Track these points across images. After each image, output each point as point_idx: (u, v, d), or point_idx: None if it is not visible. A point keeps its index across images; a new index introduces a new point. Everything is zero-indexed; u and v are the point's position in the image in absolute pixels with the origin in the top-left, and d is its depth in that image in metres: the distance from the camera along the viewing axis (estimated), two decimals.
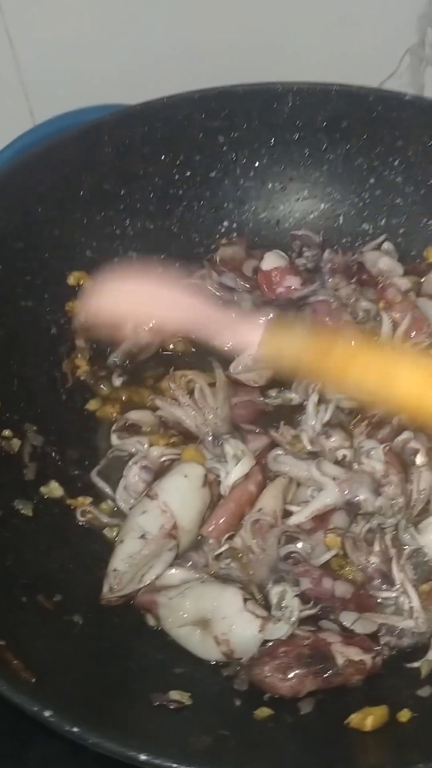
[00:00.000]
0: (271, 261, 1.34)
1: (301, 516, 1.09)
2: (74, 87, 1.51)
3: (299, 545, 1.06)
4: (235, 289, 1.31)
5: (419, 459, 1.12)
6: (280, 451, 1.16)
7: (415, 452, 1.12)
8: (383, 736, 0.87)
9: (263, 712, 0.93)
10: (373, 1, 1.46)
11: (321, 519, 1.10)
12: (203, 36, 1.49)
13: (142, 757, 0.78)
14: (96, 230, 1.35)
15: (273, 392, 1.25)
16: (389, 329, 1.25)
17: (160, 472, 1.14)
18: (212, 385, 1.19)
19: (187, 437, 1.18)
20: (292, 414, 1.22)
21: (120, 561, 1.06)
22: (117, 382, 1.27)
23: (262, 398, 1.24)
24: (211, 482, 1.12)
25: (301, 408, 1.21)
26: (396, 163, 1.36)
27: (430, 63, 1.52)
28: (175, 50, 1.50)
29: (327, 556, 1.06)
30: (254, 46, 1.49)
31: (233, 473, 1.11)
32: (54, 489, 1.14)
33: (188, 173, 1.41)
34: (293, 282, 1.32)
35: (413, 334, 1.24)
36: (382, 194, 1.39)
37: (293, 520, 1.09)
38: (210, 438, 1.15)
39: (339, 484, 1.09)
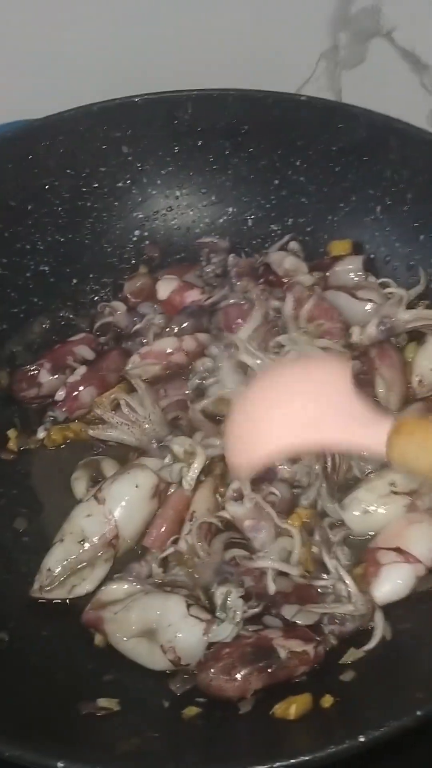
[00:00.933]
0: (164, 288, 1.36)
1: (236, 483, 1.10)
2: None
3: (260, 535, 1.07)
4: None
5: None
6: (202, 434, 1.18)
7: None
8: (308, 722, 0.89)
9: (191, 710, 0.95)
10: (285, 7, 1.48)
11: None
12: (123, 44, 1.50)
13: (60, 764, 0.79)
14: (5, 247, 1.34)
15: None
16: (290, 310, 1.29)
17: None
18: None
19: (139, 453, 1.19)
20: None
21: (55, 561, 1.07)
22: (41, 434, 1.26)
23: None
24: (160, 492, 1.12)
25: None
26: (298, 163, 1.40)
27: (345, 67, 1.56)
28: (94, 59, 1.49)
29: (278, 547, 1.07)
30: (171, 54, 1.50)
31: (192, 468, 1.12)
32: None
33: (95, 184, 1.41)
34: (194, 295, 1.35)
35: (322, 322, 1.28)
36: (288, 194, 1.42)
37: (230, 488, 1.10)
38: (155, 445, 1.15)
39: None
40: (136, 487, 1.10)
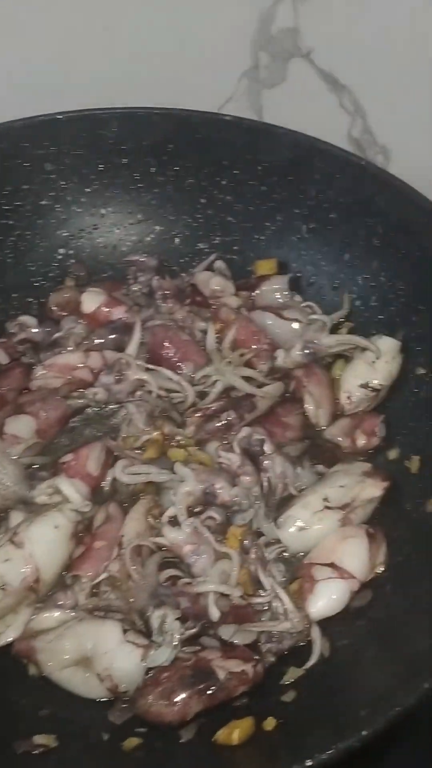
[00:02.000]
0: (90, 302, 1.35)
1: (173, 510, 1.10)
2: None
3: (198, 560, 1.06)
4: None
5: (267, 447, 1.16)
6: (125, 462, 1.17)
7: (261, 442, 1.17)
8: (252, 747, 0.88)
9: (131, 742, 0.92)
10: (207, 26, 1.48)
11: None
12: (47, 60, 1.46)
13: None
14: None
15: (75, 394, 1.27)
16: (212, 342, 1.31)
17: None
18: None
19: None
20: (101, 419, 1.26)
21: None
22: None
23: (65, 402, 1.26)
24: (78, 531, 1.10)
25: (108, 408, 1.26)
26: (224, 182, 1.40)
27: (266, 86, 1.58)
28: (16, 75, 1.46)
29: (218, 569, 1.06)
30: (95, 71, 1.47)
31: (70, 505, 1.10)
32: None
33: (18, 202, 1.39)
34: (120, 312, 1.34)
35: (252, 346, 1.29)
36: (214, 213, 1.43)
37: (166, 515, 1.10)
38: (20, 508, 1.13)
39: (197, 475, 1.12)
40: (56, 527, 1.08)
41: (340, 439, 1.23)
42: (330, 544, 1.09)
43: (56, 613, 1.03)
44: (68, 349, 1.30)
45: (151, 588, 1.04)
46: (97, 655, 0.98)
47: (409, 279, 1.24)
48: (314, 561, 1.08)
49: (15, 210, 1.39)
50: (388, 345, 1.25)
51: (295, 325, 1.32)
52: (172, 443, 1.21)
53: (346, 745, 0.76)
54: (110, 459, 1.20)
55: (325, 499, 1.12)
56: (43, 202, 1.40)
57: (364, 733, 0.77)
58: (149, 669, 0.98)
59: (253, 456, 1.16)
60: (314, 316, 1.31)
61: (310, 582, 1.05)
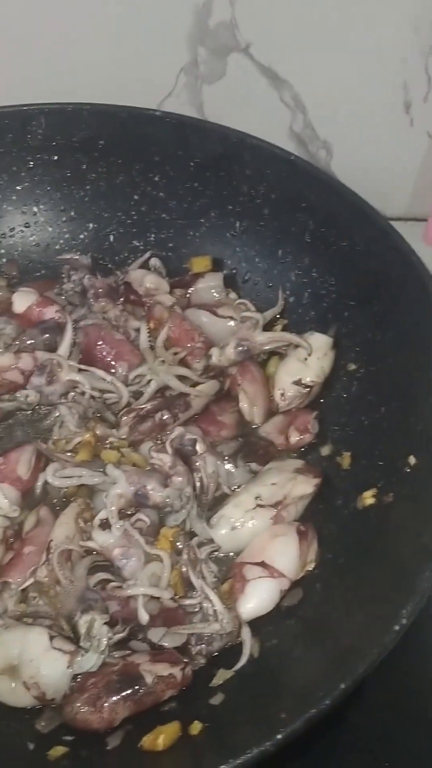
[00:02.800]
0: (21, 301, 1.32)
1: (104, 513, 1.09)
2: None
3: (127, 562, 1.05)
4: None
5: (199, 446, 1.15)
6: (56, 466, 1.16)
7: (194, 442, 1.16)
8: (177, 752, 0.88)
9: (57, 751, 0.91)
10: (144, 20, 1.45)
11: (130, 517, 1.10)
12: None
13: None
14: None
15: (6, 396, 1.24)
16: (145, 341, 1.29)
17: None
18: None
19: None
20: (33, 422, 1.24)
21: None
22: None
23: None
24: (8, 537, 1.08)
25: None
26: (156, 178, 1.39)
27: (205, 81, 1.56)
28: None
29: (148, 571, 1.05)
30: (26, 66, 1.45)
31: None
32: None
33: None
34: (52, 311, 1.31)
35: (187, 344, 1.28)
36: (148, 210, 1.41)
37: (98, 518, 1.09)
38: None
39: (129, 476, 1.11)
40: None
41: (273, 436, 1.22)
42: (261, 542, 1.08)
43: None
44: None
45: (79, 593, 1.03)
46: (24, 662, 0.96)
47: (339, 274, 1.24)
48: (245, 560, 1.07)
49: None
50: (319, 341, 1.24)
51: (230, 323, 1.31)
52: (105, 445, 1.20)
53: (260, 750, 0.76)
54: (41, 462, 1.19)
55: (257, 498, 1.12)
56: None
57: (278, 737, 0.76)
58: (76, 675, 0.97)
59: (185, 456, 1.15)
60: (247, 314, 1.30)
61: (240, 582, 1.05)
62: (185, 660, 0.98)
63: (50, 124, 1.35)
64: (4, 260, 1.41)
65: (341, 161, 1.66)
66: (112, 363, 1.27)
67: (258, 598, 1.04)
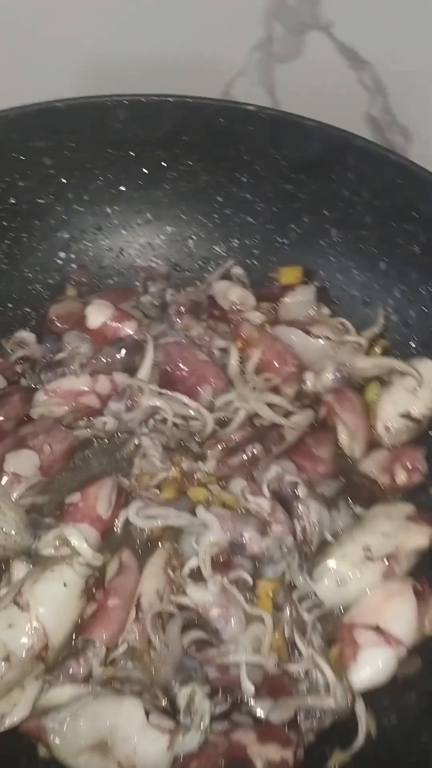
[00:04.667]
0: (96, 315, 1.20)
1: (195, 561, 0.98)
2: None
3: (227, 625, 0.94)
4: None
5: (301, 491, 1.04)
6: (139, 504, 1.05)
7: (294, 485, 1.04)
8: None
9: None
10: None
11: (225, 566, 0.99)
12: (45, 44, 1.30)
13: None
14: None
15: (81, 423, 1.14)
16: (235, 365, 1.17)
17: None
18: None
19: None
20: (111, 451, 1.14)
21: None
22: None
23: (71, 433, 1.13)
24: (89, 588, 0.97)
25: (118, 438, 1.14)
26: (244, 178, 1.26)
27: (279, 60, 1.42)
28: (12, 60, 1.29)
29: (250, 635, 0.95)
30: (97, 53, 1.32)
31: (80, 558, 0.98)
32: None
33: (12, 201, 1.24)
34: (130, 327, 1.20)
35: (279, 368, 1.16)
36: (232, 213, 1.29)
37: (187, 567, 0.98)
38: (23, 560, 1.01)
39: (223, 522, 1.00)
40: (64, 585, 0.95)
41: (377, 474, 1.11)
42: (373, 602, 0.98)
43: (68, 688, 0.92)
44: (72, 370, 1.16)
45: (175, 659, 0.93)
46: (117, 740, 0.87)
47: None
48: (356, 622, 0.97)
49: (10, 210, 1.23)
50: (431, 370, 1.12)
51: (324, 343, 1.19)
52: (192, 481, 1.09)
53: None
54: (122, 498, 1.08)
55: (366, 549, 1.01)
56: (41, 201, 1.25)
57: None
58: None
59: (284, 499, 1.04)
60: (350, 338, 1.17)
61: (351, 647, 0.95)
62: (296, 740, 0.88)
63: (129, 117, 1.21)
64: (73, 266, 1.29)
65: (420, 150, 1.53)
66: (196, 387, 1.16)
67: (372, 667, 0.94)
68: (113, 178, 1.27)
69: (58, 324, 1.23)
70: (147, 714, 0.87)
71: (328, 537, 1.04)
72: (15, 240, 1.25)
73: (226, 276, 1.28)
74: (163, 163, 1.26)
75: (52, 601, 0.94)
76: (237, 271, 1.28)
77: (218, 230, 1.30)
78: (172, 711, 0.90)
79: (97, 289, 1.29)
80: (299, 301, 1.23)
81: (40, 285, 1.28)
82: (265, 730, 0.89)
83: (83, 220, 1.29)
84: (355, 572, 0.99)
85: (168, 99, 1.20)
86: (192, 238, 1.31)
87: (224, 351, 1.19)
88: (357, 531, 1.03)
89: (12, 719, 0.89)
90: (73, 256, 1.29)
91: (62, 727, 0.88)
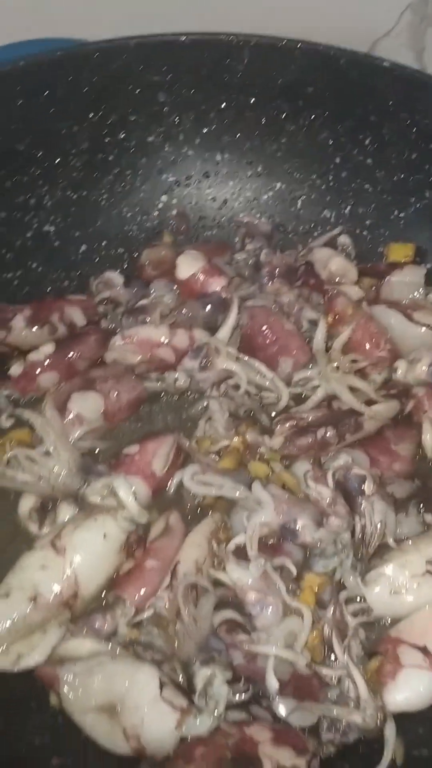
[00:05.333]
0: (186, 266, 1.14)
1: (241, 538, 0.92)
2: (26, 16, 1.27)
3: (262, 612, 0.88)
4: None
5: (368, 486, 0.96)
6: (196, 468, 1.00)
7: (362, 480, 0.96)
8: None
9: None
10: None
11: (272, 549, 0.93)
12: None
13: None
14: (5, 198, 1.13)
15: (153, 375, 1.09)
16: (322, 339, 1.09)
17: None
18: None
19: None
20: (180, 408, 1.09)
21: None
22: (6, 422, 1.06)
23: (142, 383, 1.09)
24: (130, 544, 0.93)
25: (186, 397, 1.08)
26: (367, 141, 1.16)
27: (431, 23, 1.31)
28: None
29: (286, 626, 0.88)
30: None
31: (125, 512, 0.94)
32: None
33: (122, 135, 1.19)
34: (219, 283, 1.13)
35: (369, 351, 1.07)
36: (349, 177, 1.20)
37: (233, 543, 0.93)
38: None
39: (278, 503, 0.94)
40: (104, 537, 0.92)
41: None
42: (425, 621, 0.89)
43: (89, 642, 0.88)
44: (153, 319, 1.11)
45: (201, 636, 0.88)
46: (127, 707, 0.83)
47: None
48: (403, 638, 0.89)
49: (118, 144, 1.19)
50: None
51: (425, 331, 1.09)
52: (254, 454, 1.03)
53: None
54: (179, 459, 1.03)
55: (430, 562, 0.91)
56: (151, 139, 1.20)
57: None
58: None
59: (348, 493, 0.96)
60: None
61: (393, 664, 0.87)
62: (313, 750, 0.82)
63: (254, 60, 1.14)
64: (174, 212, 1.23)
65: None
66: (276, 357, 1.09)
67: (411, 690, 0.86)
68: (228, 124, 1.20)
69: (149, 270, 1.19)
70: (161, 687, 0.83)
71: (390, 541, 0.95)
72: (119, 176, 1.21)
73: (331, 244, 1.19)
74: (282, 115, 1.18)
75: (88, 551, 0.91)
76: (344, 240, 1.20)
77: (331, 193, 1.21)
78: (188, 689, 0.85)
79: (193, 240, 1.24)
80: (405, 281, 1.14)
81: (137, 227, 1.24)
82: (282, 731, 0.83)
83: (191, 165, 1.23)
84: (412, 584, 0.91)
85: (297, 44, 1.12)
86: (301, 199, 1.23)
87: (313, 323, 1.11)
88: (423, 541, 0.94)
89: (28, 661, 0.87)
90: (174, 201, 1.24)
91: (75, 680, 0.85)
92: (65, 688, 0.86)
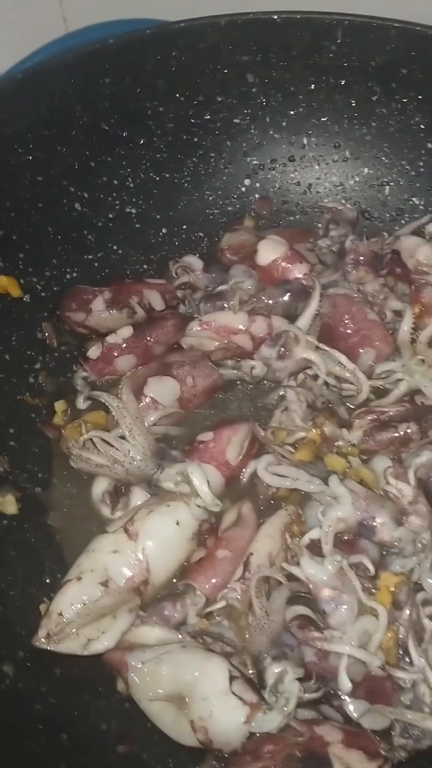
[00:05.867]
0: (268, 252, 1.11)
1: (316, 533, 0.90)
2: None
3: (337, 610, 0.86)
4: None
5: None
6: (271, 458, 0.98)
7: None
8: None
9: None
10: None
11: (348, 546, 0.91)
12: None
13: None
14: (89, 178, 1.12)
15: (229, 362, 1.08)
16: (407, 331, 1.05)
17: None
18: None
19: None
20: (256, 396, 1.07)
21: (68, 604, 0.87)
22: (83, 404, 1.07)
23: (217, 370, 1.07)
24: (202, 533, 0.92)
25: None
26: None
27: None
28: None
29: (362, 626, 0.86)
30: None
31: (198, 500, 0.92)
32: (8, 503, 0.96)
33: (207, 116, 1.17)
34: (300, 270, 1.10)
35: None
36: None
37: (307, 537, 0.91)
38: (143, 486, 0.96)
39: (356, 499, 0.91)
40: (177, 524, 0.91)
41: None
42: None
43: (158, 630, 0.88)
44: (231, 306, 1.08)
45: (273, 630, 0.86)
46: (195, 698, 0.82)
47: None
48: None
49: (203, 125, 1.17)
50: None
51: None
52: (332, 447, 1.00)
53: None
54: (254, 448, 1.01)
55: None
56: (237, 120, 1.18)
57: None
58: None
59: (429, 492, 0.92)
60: None
61: None
62: (385, 754, 0.79)
63: (347, 41, 1.10)
64: (256, 196, 1.21)
65: None
66: (358, 348, 1.05)
67: None
68: (316, 106, 1.16)
69: (228, 255, 1.17)
70: (231, 680, 0.82)
71: None
72: (202, 159, 1.19)
73: (419, 232, 1.15)
74: (373, 97, 1.14)
75: (161, 537, 0.90)
76: None
77: (421, 180, 1.17)
78: (257, 684, 0.84)
79: (275, 225, 1.21)
80: None
81: (218, 210, 1.21)
82: (353, 733, 0.81)
83: (276, 148, 1.20)
84: None
85: (393, 24, 1.07)
86: (389, 185, 1.19)
87: (398, 314, 1.08)
88: None
89: (97, 646, 0.87)
90: (258, 185, 1.21)
91: (144, 667, 0.85)
92: (133, 675, 0.85)
